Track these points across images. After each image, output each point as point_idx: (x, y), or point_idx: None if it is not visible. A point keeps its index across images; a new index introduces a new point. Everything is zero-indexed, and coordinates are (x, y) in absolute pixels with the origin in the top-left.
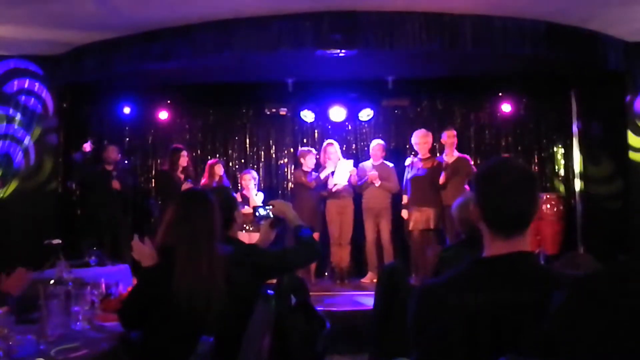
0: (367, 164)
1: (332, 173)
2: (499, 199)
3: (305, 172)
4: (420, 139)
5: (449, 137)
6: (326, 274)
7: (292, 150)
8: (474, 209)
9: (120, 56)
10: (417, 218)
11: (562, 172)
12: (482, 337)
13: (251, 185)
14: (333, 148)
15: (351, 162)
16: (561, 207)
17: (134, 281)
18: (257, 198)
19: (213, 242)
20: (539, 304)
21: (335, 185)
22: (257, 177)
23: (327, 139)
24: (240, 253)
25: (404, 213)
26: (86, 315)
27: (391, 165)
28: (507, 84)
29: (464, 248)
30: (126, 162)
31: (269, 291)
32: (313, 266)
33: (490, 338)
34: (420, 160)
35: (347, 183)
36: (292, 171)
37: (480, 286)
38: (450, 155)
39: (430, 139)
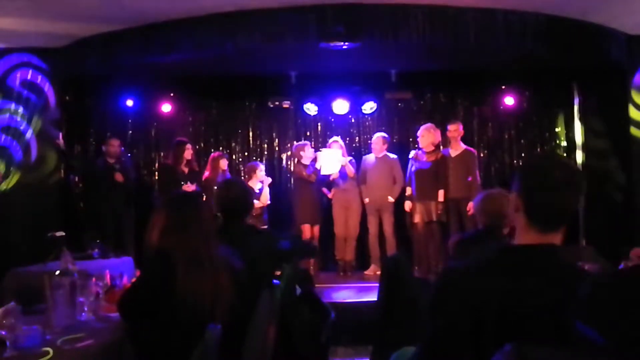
0: (370, 157)
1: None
2: (549, 194)
3: (305, 166)
4: (422, 132)
5: (454, 130)
6: (328, 266)
7: (295, 143)
8: (515, 200)
9: (123, 49)
10: (420, 210)
11: None
12: (496, 323)
13: (262, 177)
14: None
15: (339, 151)
16: None
17: (137, 273)
18: (265, 191)
19: (210, 244)
20: (560, 297)
21: (331, 175)
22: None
23: (330, 132)
24: (268, 242)
25: (407, 205)
26: (91, 306)
27: (394, 157)
28: (510, 78)
29: (482, 238)
30: (129, 155)
31: (274, 281)
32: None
33: (505, 324)
34: (425, 153)
35: (337, 172)
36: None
37: (505, 272)
38: (456, 149)
39: (434, 132)
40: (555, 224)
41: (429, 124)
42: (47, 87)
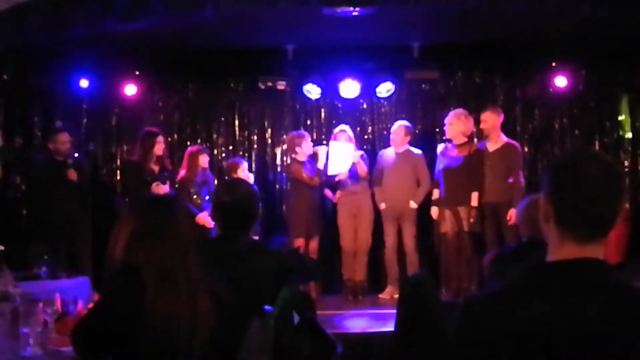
0: (388, 152)
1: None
2: (582, 195)
3: (301, 163)
4: (451, 119)
5: (492, 118)
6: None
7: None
8: (544, 206)
9: (76, 14)
10: (449, 218)
11: (629, 163)
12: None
13: (245, 176)
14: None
15: (350, 145)
16: (627, 206)
17: (95, 297)
18: None
19: (188, 260)
20: (615, 325)
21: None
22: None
23: (336, 121)
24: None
25: (434, 211)
26: (38, 338)
27: (419, 152)
28: (562, 52)
29: (526, 254)
30: (76, 155)
31: (266, 307)
32: None
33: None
34: (454, 146)
35: (347, 172)
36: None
37: (540, 296)
38: (495, 141)
39: (465, 120)
40: (594, 233)
41: (459, 110)
42: None
